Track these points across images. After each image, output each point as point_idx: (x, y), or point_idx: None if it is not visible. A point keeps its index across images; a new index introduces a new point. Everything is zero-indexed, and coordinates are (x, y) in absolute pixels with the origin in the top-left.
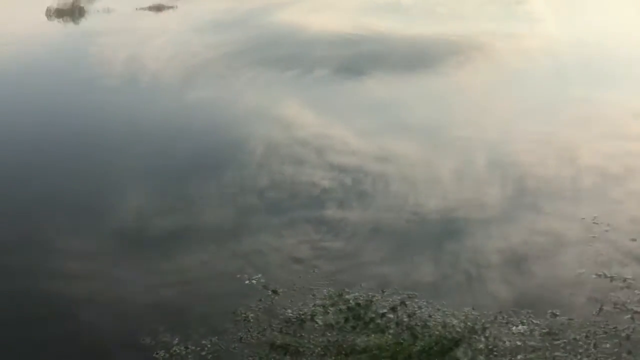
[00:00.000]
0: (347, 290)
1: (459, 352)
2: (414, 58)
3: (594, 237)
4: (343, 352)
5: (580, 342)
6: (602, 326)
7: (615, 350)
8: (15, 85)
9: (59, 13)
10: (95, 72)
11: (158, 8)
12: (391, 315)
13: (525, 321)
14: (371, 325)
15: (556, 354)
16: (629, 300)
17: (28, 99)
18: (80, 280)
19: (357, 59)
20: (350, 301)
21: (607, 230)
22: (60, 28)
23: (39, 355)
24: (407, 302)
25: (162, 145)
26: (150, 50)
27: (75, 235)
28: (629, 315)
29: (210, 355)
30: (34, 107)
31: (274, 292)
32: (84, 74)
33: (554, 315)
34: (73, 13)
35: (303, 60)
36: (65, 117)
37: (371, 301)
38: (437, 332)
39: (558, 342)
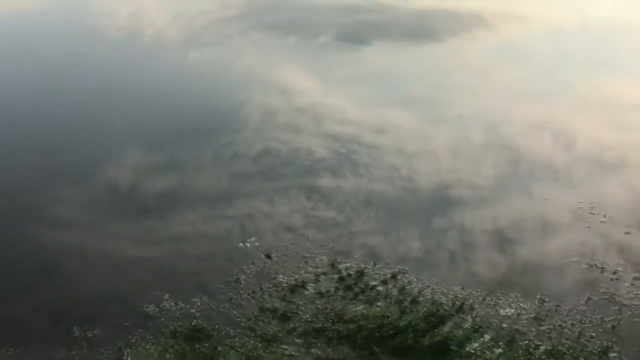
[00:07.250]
0: (339, 260)
1: (445, 330)
2: (415, 29)
3: (588, 227)
4: (330, 320)
5: (566, 330)
6: (589, 315)
7: (600, 340)
8: (16, 41)
9: None
10: (97, 31)
11: None
12: (381, 288)
13: (513, 304)
14: (361, 297)
15: (541, 339)
16: (617, 292)
17: (28, 54)
18: (71, 234)
19: (358, 28)
20: (342, 271)
21: (603, 222)
22: None
23: (26, 305)
24: (397, 277)
25: (160, 107)
26: (152, 12)
27: (69, 190)
28: (616, 307)
29: (199, 313)
30: (34, 62)
31: (267, 256)
32: (85, 31)
33: (542, 301)
34: None
35: (303, 27)
36: (65, 73)
37: (363, 272)
38: (425, 309)
39: (544, 327)
